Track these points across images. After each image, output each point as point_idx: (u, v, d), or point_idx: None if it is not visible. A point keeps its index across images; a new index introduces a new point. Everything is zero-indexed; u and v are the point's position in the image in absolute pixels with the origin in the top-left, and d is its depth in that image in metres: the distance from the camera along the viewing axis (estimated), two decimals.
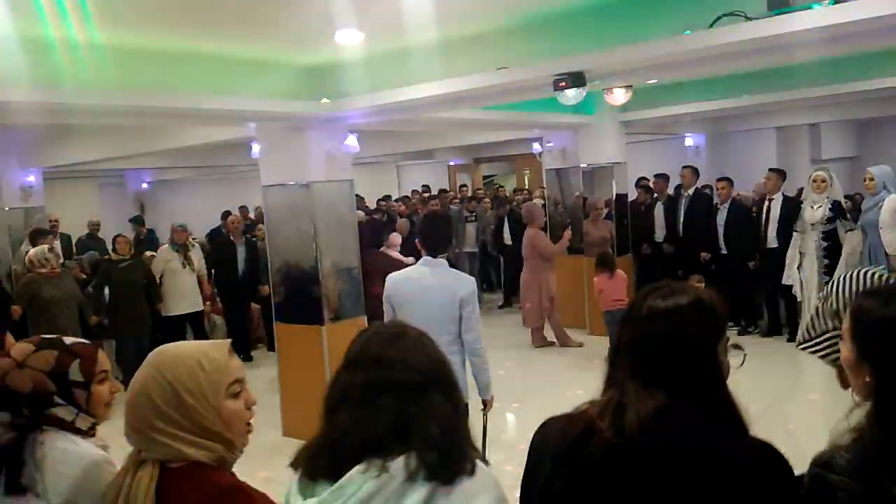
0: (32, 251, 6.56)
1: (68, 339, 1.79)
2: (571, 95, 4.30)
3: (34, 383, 1.67)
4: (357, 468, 1.28)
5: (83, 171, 11.18)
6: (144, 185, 14.44)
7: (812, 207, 6.80)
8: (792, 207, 7.27)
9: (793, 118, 10.53)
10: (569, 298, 8.37)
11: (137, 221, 10.98)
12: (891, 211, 6.13)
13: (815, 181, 6.83)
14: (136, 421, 1.39)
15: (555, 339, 8.09)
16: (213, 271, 8.45)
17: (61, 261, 8.53)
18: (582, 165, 8.55)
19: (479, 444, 3.74)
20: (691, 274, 7.64)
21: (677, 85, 7.67)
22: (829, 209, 6.69)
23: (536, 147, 9.80)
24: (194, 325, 7.85)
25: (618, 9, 4.05)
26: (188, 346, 1.46)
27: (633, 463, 1.29)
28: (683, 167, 8.90)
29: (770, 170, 7.69)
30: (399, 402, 1.32)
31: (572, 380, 6.87)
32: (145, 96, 4.23)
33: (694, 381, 1.34)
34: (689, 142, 11.90)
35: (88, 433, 1.75)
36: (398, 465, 1.27)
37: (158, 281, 7.59)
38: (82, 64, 3.98)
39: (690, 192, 8.68)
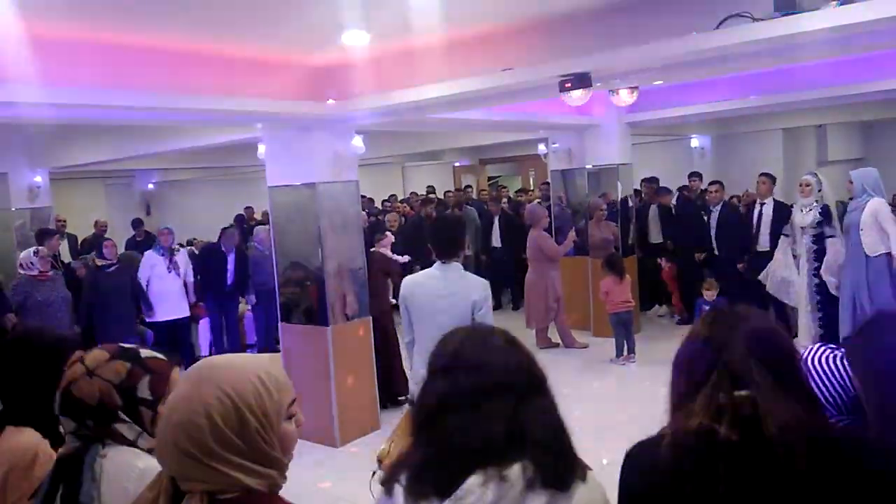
0: (22, 254, 6.51)
1: (144, 352, 1.67)
2: (577, 96, 4.30)
3: (101, 395, 1.57)
4: (474, 479, 1.23)
5: (90, 171, 11.22)
6: (151, 186, 14.47)
7: (802, 211, 6.86)
8: (783, 212, 7.38)
9: (799, 120, 10.51)
10: (573, 300, 8.36)
11: (136, 224, 10.97)
12: (871, 213, 6.28)
13: (800, 185, 6.93)
14: (189, 444, 1.18)
15: (559, 341, 8.08)
16: (198, 277, 8.15)
17: (67, 260, 8.58)
18: (587, 167, 8.54)
19: None
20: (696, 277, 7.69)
21: (683, 86, 7.66)
22: (819, 213, 6.73)
23: (542, 148, 9.78)
24: (179, 332, 7.67)
25: (624, 9, 4.04)
26: (243, 360, 1.31)
27: (768, 459, 1.29)
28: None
29: (762, 174, 7.83)
30: (508, 406, 1.28)
31: (578, 381, 6.87)
32: (152, 97, 4.24)
33: (798, 378, 1.41)
34: (694, 143, 11.87)
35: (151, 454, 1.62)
36: (515, 472, 1.23)
37: (146, 286, 7.44)
38: (90, 64, 3.99)
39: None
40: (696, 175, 9.87)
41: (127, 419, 1.58)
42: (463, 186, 14.73)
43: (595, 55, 4.04)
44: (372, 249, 6.19)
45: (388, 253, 6.40)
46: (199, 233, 11.47)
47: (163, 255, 7.58)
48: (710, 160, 11.64)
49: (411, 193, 13.96)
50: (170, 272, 7.50)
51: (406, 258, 6.13)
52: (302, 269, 5.63)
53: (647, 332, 8.44)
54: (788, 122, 10.74)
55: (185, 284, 7.71)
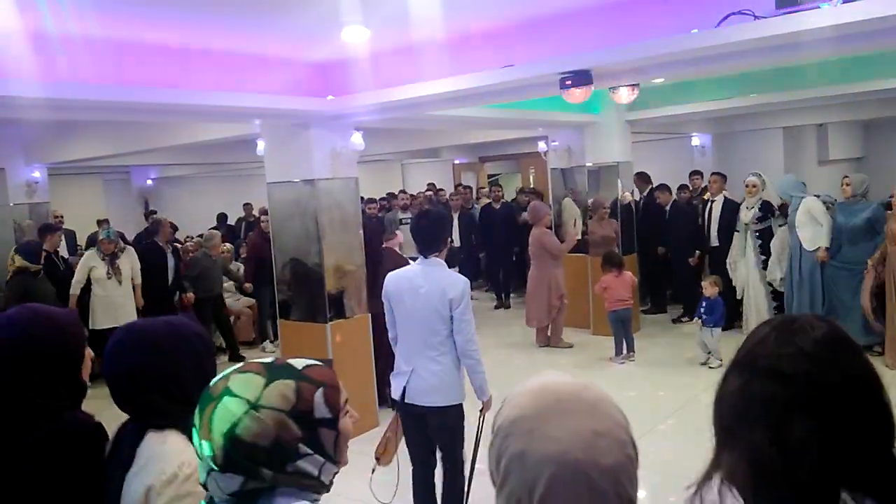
0: None
1: (295, 360, 1.28)
2: (578, 94, 4.28)
3: (277, 430, 1.17)
4: None
5: (88, 167, 11.19)
6: (149, 182, 14.44)
7: (747, 209, 7.55)
8: (731, 210, 7.90)
9: (800, 118, 10.47)
10: (573, 298, 8.33)
11: (149, 215, 10.94)
12: (804, 212, 6.90)
13: (746, 186, 7.61)
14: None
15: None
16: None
17: (65, 256, 8.56)
18: (587, 164, 8.52)
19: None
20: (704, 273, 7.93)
21: (684, 84, 7.65)
22: (759, 209, 7.41)
23: (542, 146, 9.75)
24: None
25: (625, 7, 4.03)
26: None
27: None
28: (636, 174, 9.32)
29: (713, 173, 8.36)
30: (820, 425, 1.10)
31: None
32: (151, 92, 4.22)
33: None
34: (695, 141, 11.84)
35: (328, 487, 1.29)
36: None
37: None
38: (88, 59, 3.98)
39: (644, 195, 9.39)
40: (696, 173, 9.90)
41: (309, 451, 1.21)
42: (463, 184, 14.68)
43: (596, 53, 4.03)
44: (384, 247, 6.16)
45: (399, 251, 6.34)
46: (198, 229, 11.45)
47: (103, 258, 6.93)
48: (710, 158, 11.60)
49: (420, 190, 13.90)
50: (109, 278, 6.88)
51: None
52: (301, 266, 5.62)
53: (647, 330, 8.42)
54: (789, 121, 10.70)
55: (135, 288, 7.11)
